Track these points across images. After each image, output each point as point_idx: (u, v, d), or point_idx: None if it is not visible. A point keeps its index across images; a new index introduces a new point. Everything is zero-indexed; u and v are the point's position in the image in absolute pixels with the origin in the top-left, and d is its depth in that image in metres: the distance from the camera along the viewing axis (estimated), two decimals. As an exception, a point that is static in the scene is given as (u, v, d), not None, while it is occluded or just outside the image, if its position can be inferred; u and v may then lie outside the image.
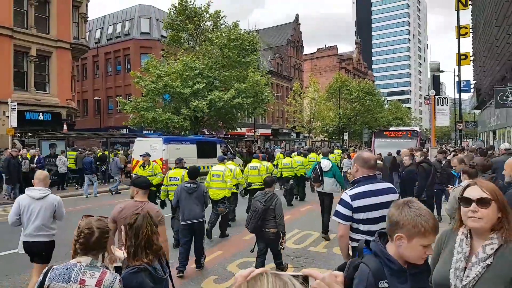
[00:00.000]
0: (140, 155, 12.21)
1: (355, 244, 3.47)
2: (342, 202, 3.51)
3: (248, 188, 11.08)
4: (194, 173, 6.99)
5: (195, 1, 29.26)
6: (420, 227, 1.82)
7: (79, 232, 2.49)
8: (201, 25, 29.70)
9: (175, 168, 9.30)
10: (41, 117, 24.78)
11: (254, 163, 11.57)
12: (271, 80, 35.64)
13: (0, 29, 22.45)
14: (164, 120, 24.03)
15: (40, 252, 4.98)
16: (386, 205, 3.29)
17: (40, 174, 5.30)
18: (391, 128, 35.76)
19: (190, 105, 23.98)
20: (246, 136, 43.64)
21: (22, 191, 15.67)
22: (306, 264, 7.02)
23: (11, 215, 4.97)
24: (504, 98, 17.16)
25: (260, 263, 6.11)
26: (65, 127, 24.92)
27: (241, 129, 34.79)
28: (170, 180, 8.67)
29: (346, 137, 51.59)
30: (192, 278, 6.42)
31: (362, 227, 3.43)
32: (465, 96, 57.68)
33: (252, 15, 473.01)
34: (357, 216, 3.43)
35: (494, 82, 25.16)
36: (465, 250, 2.04)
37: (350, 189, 3.60)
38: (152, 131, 28.76)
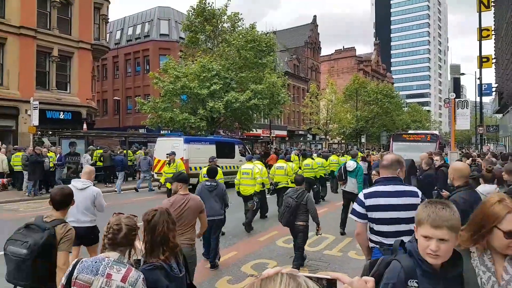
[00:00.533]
0: (167, 154, 13.19)
1: (372, 244, 3.53)
2: (357, 200, 3.61)
3: (275, 187, 11.58)
4: (214, 172, 7.33)
5: (213, 3, 29.45)
6: (419, 216, 1.85)
7: (108, 228, 2.57)
8: (219, 26, 29.88)
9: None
10: (61, 116, 25.29)
11: (281, 163, 12.02)
12: (287, 82, 35.59)
13: (24, 30, 23.03)
14: (181, 120, 24.27)
15: (85, 235, 5.46)
16: (403, 207, 3.34)
17: (86, 168, 6.22)
18: (409, 131, 35.28)
19: (207, 105, 24.15)
20: (261, 137, 43.65)
21: (41, 189, 16.18)
22: (321, 267, 6.99)
23: None
24: (526, 102, 16.77)
25: None
26: (84, 126, 25.36)
27: (256, 130, 34.79)
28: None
29: (363, 140, 51.08)
30: (206, 278, 6.47)
31: (375, 227, 3.46)
32: (486, 99, 56.54)
33: (267, 17, 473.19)
34: (370, 215, 3.47)
35: (517, 85, 24.62)
36: (492, 269, 1.93)
37: (367, 188, 3.68)
38: (169, 131, 29.05)
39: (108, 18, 31.20)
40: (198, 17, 29.00)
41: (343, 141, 56.69)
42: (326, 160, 16.18)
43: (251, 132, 33.10)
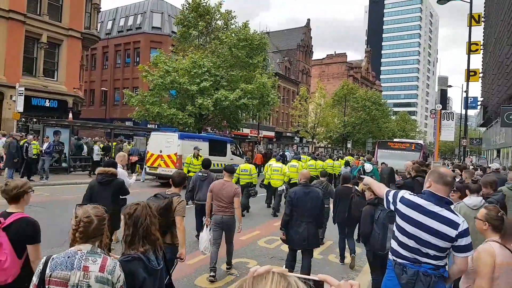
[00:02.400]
0: (194, 148, 14.31)
1: (390, 255, 3.31)
2: (395, 192, 3.36)
3: (288, 182, 13.11)
4: (207, 164, 8.69)
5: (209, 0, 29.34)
6: None
7: (78, 221, 2.51)
8: (212, 23, 29.77)
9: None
10: (47, 104, 24.90)
11: (293, 162, 14.40)
12: (277, 83, 35.61)
13: (12, 14, 22.59)
14: (169, 115, 24.11)
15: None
16: (427, 229, 3.04)
17: (119, 154, 8.09)
18: (395, 140, 35.68)
19: (196, 102, 24.03)
20: (249, 137, 43.63)
21: (23, 177, 15.89)
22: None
23: None
24: (510, 117, 17.11)
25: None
26: (70, 115, 25.01)
27: (243, 130, 34.72)
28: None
29: (349, 145, 51.50)
30: (185, 274, 6.44)
31: (400, 237, 3.20)
32: (471, 112, 57.64)
33: (258, 18, 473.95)
34: (398, 221, 3.25)
35: (502, 100, 25.10)
36: None
37: (411, 194, 3.35)
38: (156, 126, 28.87)
39: (100, 8, 30.82)
40: (192, 12, 28.84)
41: (329, 145, 57.07)
42: (324, 162, 19.25)
43: (239, 131, 33.05)
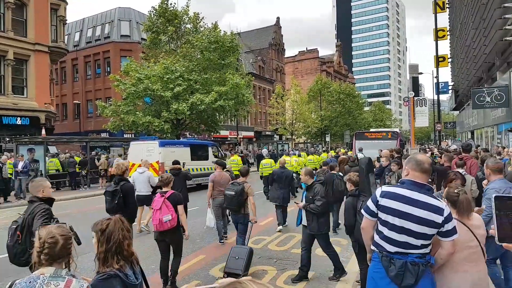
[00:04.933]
0: (230, 152, 14.98)
1: (373, 247, 3.26)
2: (372, 197, 3.30)
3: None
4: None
5: (175, 4, 29.14)
6: None
7: (42, 243, 2.39)
8: (182, 27, 29.58)
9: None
10: (19, 122, 24.31)
11: (295, 158, 18.15)
12: (252, 82, 35.57)
13: (-26, 31, 21.97)
14: (144, 123, 23.86)
15: (145, 199, 9.85)
16: (419, 220, 2.99)
17: (144, 161, 11.22)
18: (371, 130, 36.18)
19: (171, 108, 23.84)
20: (229, 139, 43.52)
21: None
22: (289, 266, 7.02)
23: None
24: (481, 99, 17.56)
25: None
26: (43, 131, 24.44)
27: (219, 132, 34.66)
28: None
29: (328, 139, 52.00)
30: (200, 267, 6.55)
31: (385, 232, 3.12)
32: (443, 97, 58.77)
33: (224, 20, 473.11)
34: (381, 215, 3.15)
35: (471, 83, 25.74)
36: None
37: (388, 186, 3.34)
38: (132, 135, 28.50)
39: (66, 20, 30.22)
40: (160, 17, 28.60)
41: (308, 141, 57.48)
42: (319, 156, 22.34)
43: (218, 134, 32.94)
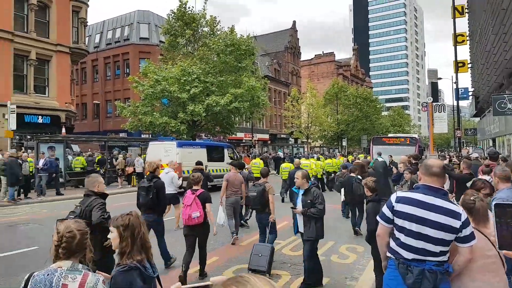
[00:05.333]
0: (249, 154, 15.41)
1: (388, 254, 3.21)
2: (387, 202, 3.25)
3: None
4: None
5: (193, 7, 29.44)
6: None
7: (60, 236, 2.46)
8: (199, 30, 29.86)
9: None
10: (40, 120, 24.83)
11: (311, 160, 19.10)
12: (268, 85, 35.58)
13: (0, 32, 22.54)
14: (161, 124, 24.15)
15: (171, 198, 9.87)
16: (435, 225, 2.94)
17: (172, 161, 11.85)
18: (389, 135, 35.82)
19: (187, 109, 24.06)
20: (244, 141, 43.61)
21: (19, 194, 15.81)
22: (303, 271, 7.00)
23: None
24: (502, 105, 17.20)
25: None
26: (63, 130, 24.92)
27: (236, 134, 34.71)
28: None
29: (344, 143, 51.63)
30: (213, 268, 6.51)
31: (402, 238, 3.07)
32: (464, 103, 57.86)
33: (239, 24, 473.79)
34: (397, 221, 3.11)
35: (492, 89, 25.28)
36: None
37: (403, 191, 3.35)
38: (150, 135, 28.81)
39: (87, 22, 30.79)
40: (178, 21, 28.91)
41: (324, 145, 57.16)
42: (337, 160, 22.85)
43: (233, 135, 33.05)
